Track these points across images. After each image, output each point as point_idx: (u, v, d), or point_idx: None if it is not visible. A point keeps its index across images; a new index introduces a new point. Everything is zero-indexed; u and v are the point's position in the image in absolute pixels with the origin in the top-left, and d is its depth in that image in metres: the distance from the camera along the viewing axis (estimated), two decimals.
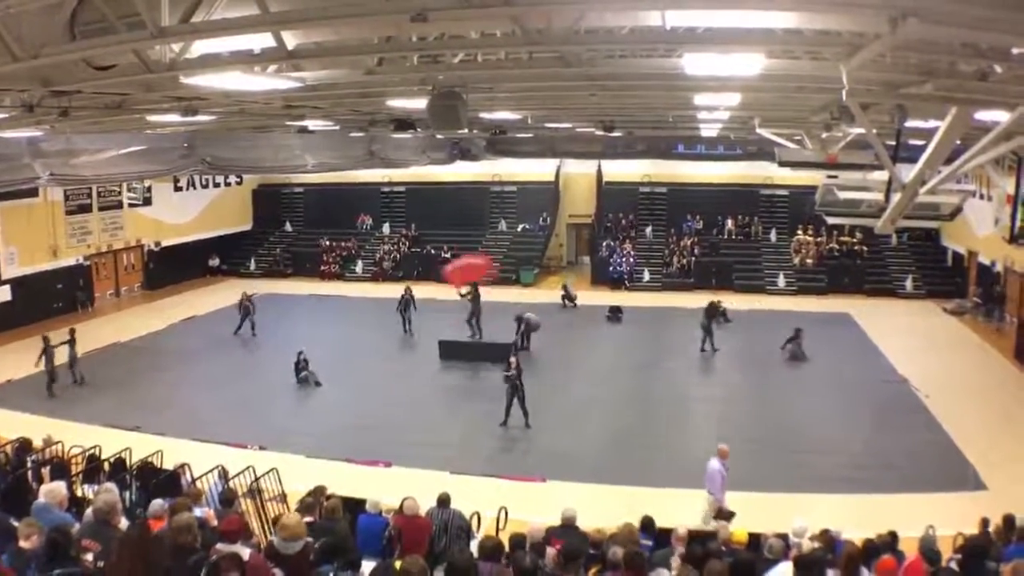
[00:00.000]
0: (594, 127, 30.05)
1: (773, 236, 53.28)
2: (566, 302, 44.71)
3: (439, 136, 39.36)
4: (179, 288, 50.50)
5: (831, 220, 28.32)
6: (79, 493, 15.55)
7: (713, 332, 35.23)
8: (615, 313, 41.95)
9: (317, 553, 10.48)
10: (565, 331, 38.99)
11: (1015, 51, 9.66)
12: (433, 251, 54.67)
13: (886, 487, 20.90)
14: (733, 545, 13.34)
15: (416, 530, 13.31)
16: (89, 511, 10.52)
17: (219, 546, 9.45)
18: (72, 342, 31.14)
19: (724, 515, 17.22)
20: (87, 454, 19.03)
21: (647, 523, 14.61)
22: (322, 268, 54.57)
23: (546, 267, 55.15)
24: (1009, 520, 14.55)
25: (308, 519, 12.15)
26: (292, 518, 10.84)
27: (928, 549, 12.77)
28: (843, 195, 21.72)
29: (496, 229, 57.47)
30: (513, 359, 26.39)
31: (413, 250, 55.61)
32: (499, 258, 53.87)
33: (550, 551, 11.54)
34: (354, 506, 14.43)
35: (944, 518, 16.59)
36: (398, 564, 9.86)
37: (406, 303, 38.60)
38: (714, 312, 35.85)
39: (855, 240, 49.79)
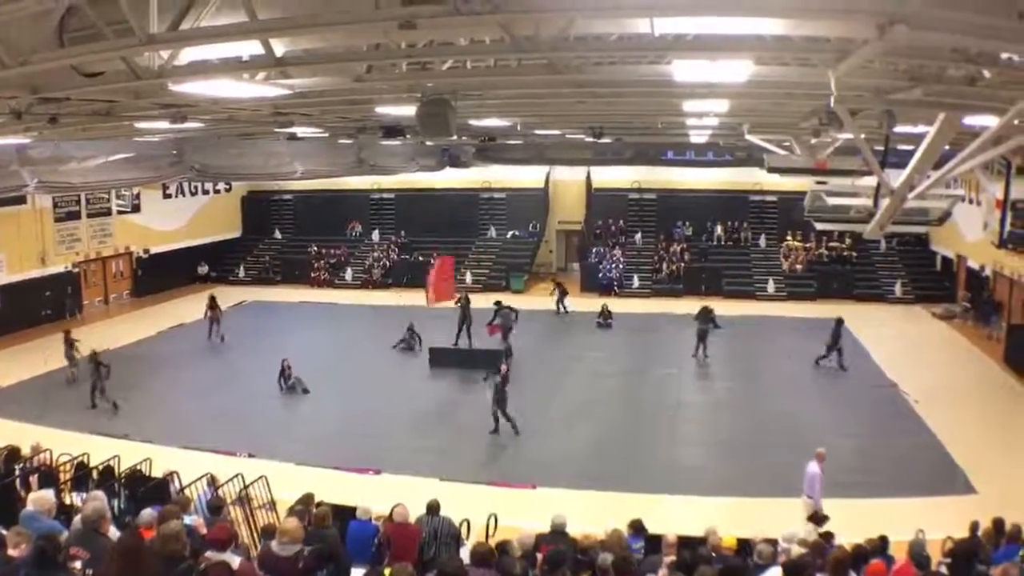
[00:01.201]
0: (583, 134, 30.08)
1: (762, 242, 53.35)
2: (560, 307, 44.46)
3: (428, 143, 39.36)
4: (168, 295, 50.29)
5: (820, 226, 28.45)
6: (67, 501, 15.48)
7: (707, 337, 35.27)
8: (605, 319, 41.95)
9: (307, 560, 10.47)
10: (555, 337, 39.04)
11: (1004, 56, 9.68)
12: (422, 258, 54.49)
13: (876, 491, 20.92)
14: (723, 551, 13.35)
15: (406, 537, 13.29)
16: (77, 519, 10.48)
17: (208, 554, 9.44)
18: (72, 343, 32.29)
19: (818, 519, 17.28)
20: (75, 462, 18.96)
21: (637, 526, 14.63)
22: (311, 275, 54.40)
23: (536, 274, 55.08)
24: (998, 523, 14.60)
25: None
26: (292, 522, 10.91)
27: (917, 553, 12.80)
28: (832, 201, 21.78)
29: (486, 236, 57.40)
30: (503, 366, 26.39)
31: (403, 257, 55.50)
32: (489, 265, 54.10)
33: (540, 558, 11.55)
34: (344, 514, 14.40)
35: (933, 522, 16.60)
36: (387, 571, 9.86)
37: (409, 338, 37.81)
38: (708, 315, 35.79)
39: (844, 245, 49.90)
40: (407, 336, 36.86)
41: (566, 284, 47.20)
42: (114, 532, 10.28)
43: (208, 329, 39.21)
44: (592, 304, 44.05)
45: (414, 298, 42.78)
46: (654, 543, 14.09)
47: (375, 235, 58.43)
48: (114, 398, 28.46)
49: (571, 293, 46.77)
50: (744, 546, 13.94)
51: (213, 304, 39.68)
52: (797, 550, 13.05)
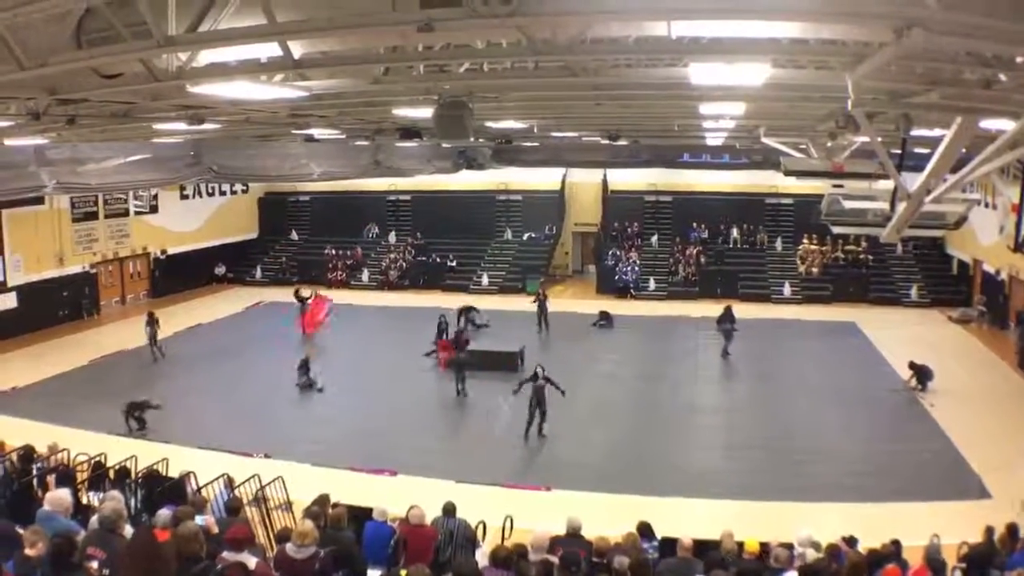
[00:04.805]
0: (600, 136, 30.09)
1: (779, 245, 53.31)
2: (542, 322, 42.03)
3: (445, 145, 39.39)
4: (185, 296, 50.41)
5: (837, 229, 28.29)
6: (84, 501, 15.53)
7: (732, 336, 35.41)
8: (602, 320, 42.25)
9: (323, 562, 10.51)
10: (569, 340, 38.94)
11: (1019, 60, 9.67)
12: (439, 260, 54.83)
13: (891, 496, 20.87)
14: (745, 555, 13.33)
15: (421, 539, 13.31)
16: (94, 519, 10.53)
17: (225, 554, 9.47)
18: (153, 322, 35.77)
19: None
20: (92, 461, 19.00)
21: (645, 528, 14.61)
22: (328, 276, 54.35)
23: (552, 276, 55.10)
24: (1013, 529, 14.55)
25: None
26: (308, 525, 10.97)
27: (933, 558, 12.76)
28: (849, 204, 21.72)
29: (502, 238, 57.49)
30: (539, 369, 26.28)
31: (419, 259, 55.60)
32: (505, 267, 54.25)
33: (556, 560, 11.55)
34: (360, 515, 14.42)
35: (948, 527, 16.52)
36: (403, 573, 9.88)
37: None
38: (730, 314, 35.93)
39: (860, 249, 49.82)
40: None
41: (580, 288, 47.15)
42: (129, 531, 10.33)
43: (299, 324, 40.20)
44: (607, 308, 43.90)
45: (428, 300, 42.86)
46: (669, 546, 14.08)
47: (392, 236, 58.59)
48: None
49: (587, 295, 46.79)
50: (762, 550, 13.93)
51: (300, 297, 41.34)
52: (812, 554, 13.04)
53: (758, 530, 15.79)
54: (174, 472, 18.64)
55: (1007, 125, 13.45)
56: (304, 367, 31.45)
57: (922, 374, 30.32)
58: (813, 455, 24.25)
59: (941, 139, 14.98)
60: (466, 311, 41.46)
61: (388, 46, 10.78)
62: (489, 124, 23.87)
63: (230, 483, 17.77)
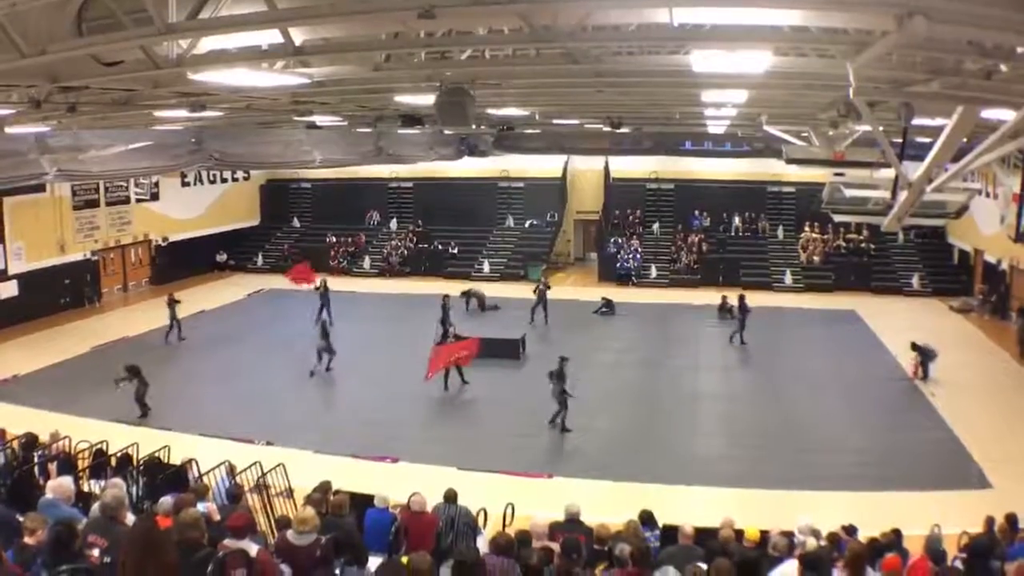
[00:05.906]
0: (602, 123, 30.05)
1: (780, 233, 53.24)
2: (533, 314, 40.87)
3: (446, 132, 39.36)
4: (186, 283, 49.90)
5: (838, 218, 28.31)
6: (86, 488, 15.54)
7: (745, 325, 35.75)
8: (604, 307, 42.30)
9: (324, 549, 10.51)
10: (572, 328, 38.90)
11: (1020, 50, 9.66)
12: (441, 247, 54.85)
13: (891, 485, 20.88)
14: (746, 543, 13.33)
15: (422, 526, 13.32)
16: (96, 507, 10.53)
17: (227, 541, 9.48)
18: (174, 304, 36.82)
19: None
20: (94, 449, 19.02)
21: (647, 517, 14.61)
22: (330, 263, 54.21)
23: (554, 263, 55.13)
24: (1013, 519, 14.56)
25: None
26: (309, 511, 10.99)
27: (933, 548, 12.77)
28: (850, 193, 21.75)
29: (503, 225, 57.44)
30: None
31: (421, 246, 55.59)
32: (507, 254, 54.30)
33: (556, 548, 11.56)
34: (361, 502, 14.42)
35: (949, 516, 16.58)
36: (405, 559, 9.89)
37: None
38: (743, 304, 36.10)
39: (862, 238, 49.74)
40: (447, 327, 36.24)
41: (582, 275, 47.07)
42: (131, 519, 10.33)
43: (317, 313, 39.79)
44: (610, 295, 43.83)
45: (431, 287, 42.88)
46: (670, 534, 14.09)
47: (393, 223, 58.65)
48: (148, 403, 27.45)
49: (589, 283, 46.78)
50: (761, 538, 13.95)
51: (324, 288, 40.91)
52: (813, 543, 13.05)
53: (759, 518, 15.79)
54: (176, 459, 18.71)
55: (1008, 115, 13.44)
56: (324, 332, 31.91)
57: (925, 355, 30.29)
58: (814, 443, 24.24)
59: (942, 128, 14.96)
60: (467, 295, 41.82)
61: (389, 33, 10.77)
62: (491, 111, 23.85)
63: (232, 470, 17.79)
